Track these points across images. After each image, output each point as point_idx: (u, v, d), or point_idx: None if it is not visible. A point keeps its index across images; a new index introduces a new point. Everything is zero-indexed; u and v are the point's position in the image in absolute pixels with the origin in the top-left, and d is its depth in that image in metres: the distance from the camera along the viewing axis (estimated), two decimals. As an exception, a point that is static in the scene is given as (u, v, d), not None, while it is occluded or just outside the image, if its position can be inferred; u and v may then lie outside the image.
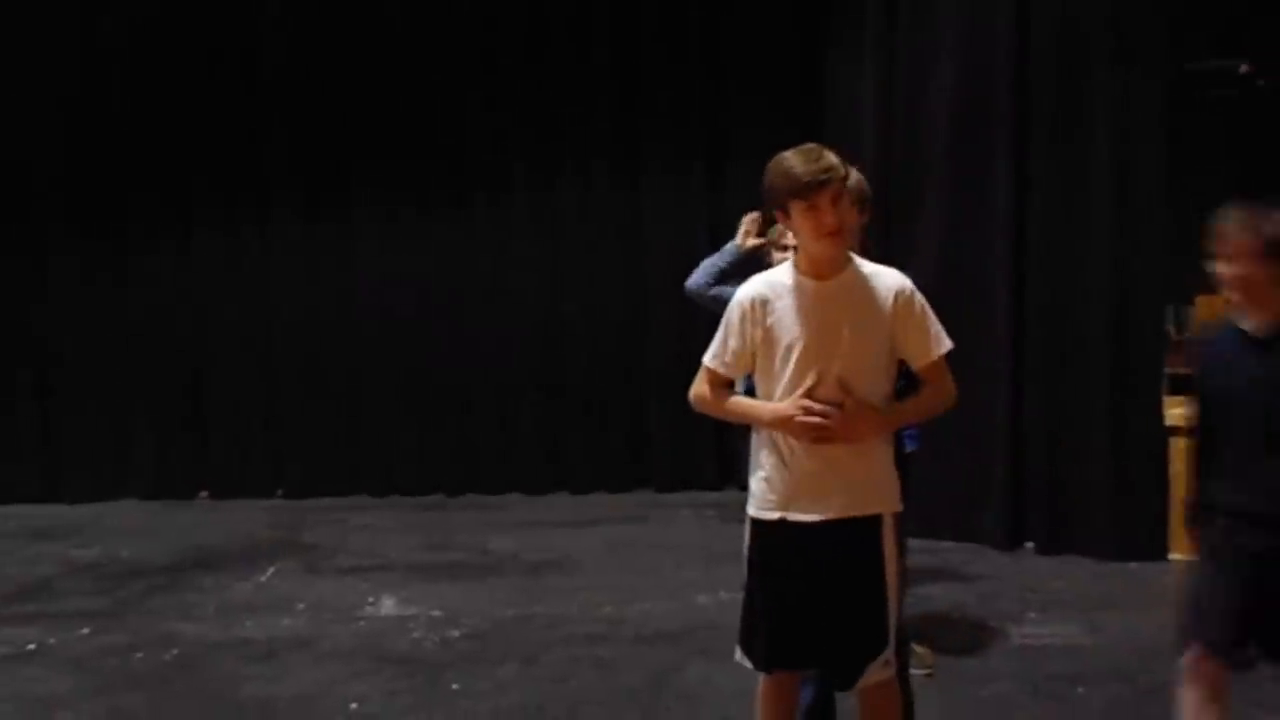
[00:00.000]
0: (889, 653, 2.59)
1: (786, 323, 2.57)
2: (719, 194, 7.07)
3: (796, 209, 2.51)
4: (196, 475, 7.51)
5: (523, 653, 4.21)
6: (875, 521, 2.57)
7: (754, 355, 2.62)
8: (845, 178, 2.55)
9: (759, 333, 2.59)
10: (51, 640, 4.52)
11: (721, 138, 7.11)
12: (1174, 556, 5.15)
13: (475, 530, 6.31)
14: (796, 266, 2.61)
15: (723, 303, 2.75)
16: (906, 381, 2.67)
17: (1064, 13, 5.31)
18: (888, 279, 2.63)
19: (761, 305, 2.60)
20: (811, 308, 2.55)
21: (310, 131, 7.28)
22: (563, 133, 7.18)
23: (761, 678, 2.68)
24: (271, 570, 5.57)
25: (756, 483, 2.64)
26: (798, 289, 2.58)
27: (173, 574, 5.54)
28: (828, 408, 2.49)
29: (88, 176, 7.38)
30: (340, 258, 7.38)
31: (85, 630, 4.64)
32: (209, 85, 7.29)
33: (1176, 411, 5.24)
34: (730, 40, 7.12)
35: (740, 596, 2.68)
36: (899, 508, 2.65)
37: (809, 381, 2.51)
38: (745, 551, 2.67)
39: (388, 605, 4.90)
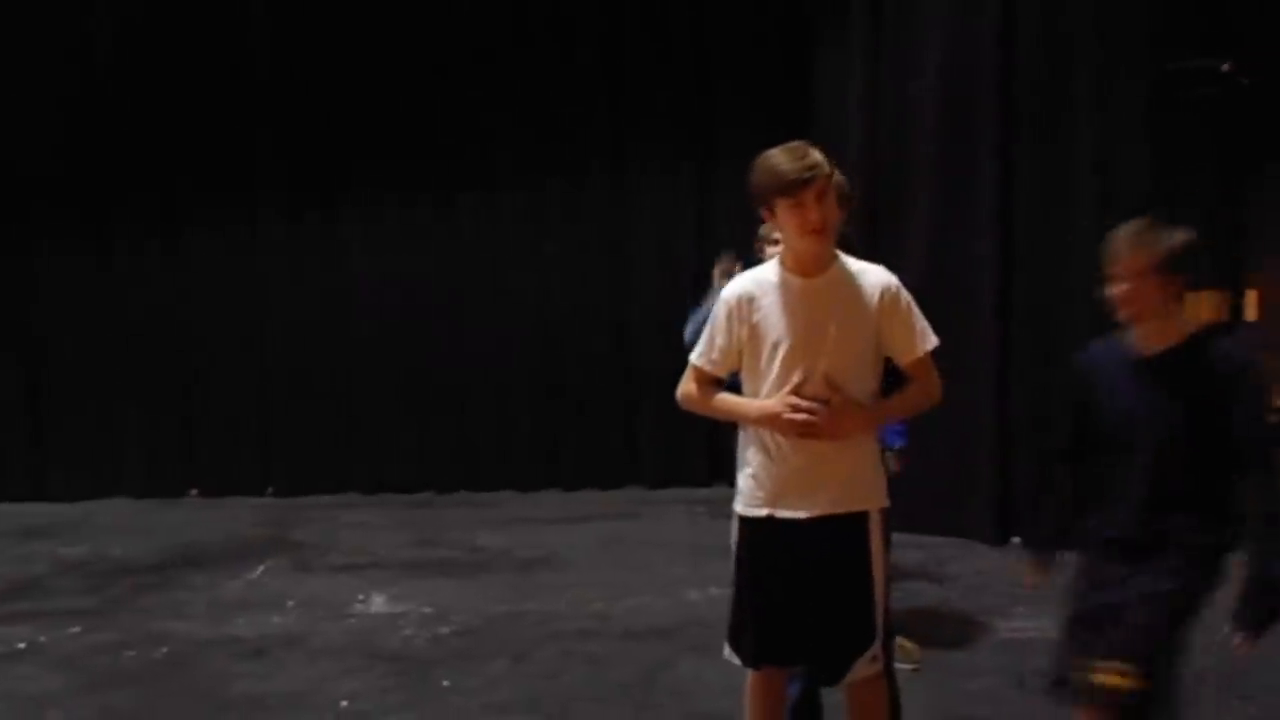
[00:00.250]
0: (876, 648, 2.61)
1: (773, 320, 2.58)
2: (707, 194, 7.10)
3: (782, 206, 2.52)
4: (187, 473, 7.51)
5: (514, 649, 4.23)
6: (862, 517, 2.59)
7: (741, 353, 2.63)
8: (830, 175, 2.57)
9: (746, 330, 2.61)
10: (42, 639, 4.53)
11: (709, 138, 7.14)
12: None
13: (466, 527, 6.33)
14: (783, 264, 2.63)
15: None
16: (892, 378, 2.69)
17: (1048, 14, 5.34)
18: (874, 276, 2.65)
19: (748, 303, 2.62)
20: (798, 305, 2.57)
21: (300, 131, 7.28)
22: (551, 133, 7.20)
23: (750, 673, 2.70)
24: (262, 568, 5.58)
25: (744, 479, 2.66)
26: (784, 286, 2.60)
27: (163, 572, 5.55)
28: (814, 404, 2.50)
29: (78, 176, 7.38)
30: (329, 257, 7.38)
31: (76, 628, 4.64)
32: (199, 86, 7.29)
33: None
34: (718, 40, 7.15)
35: (730, 593, 2.70)
36: (886, 503, 2.68)
37: (796, 378, 2.53)
38: (733, 548, 2.69)
39: (378, 602, 4.91)
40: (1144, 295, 2.46)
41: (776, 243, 3.21)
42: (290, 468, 7.43)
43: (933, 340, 2.70)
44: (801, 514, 2.55)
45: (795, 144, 2.60)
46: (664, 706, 3.64)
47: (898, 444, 3.36)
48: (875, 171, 5.88)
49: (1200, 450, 2.47)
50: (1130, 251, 2.48)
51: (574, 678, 3.93)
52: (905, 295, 2.70)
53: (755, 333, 2.60)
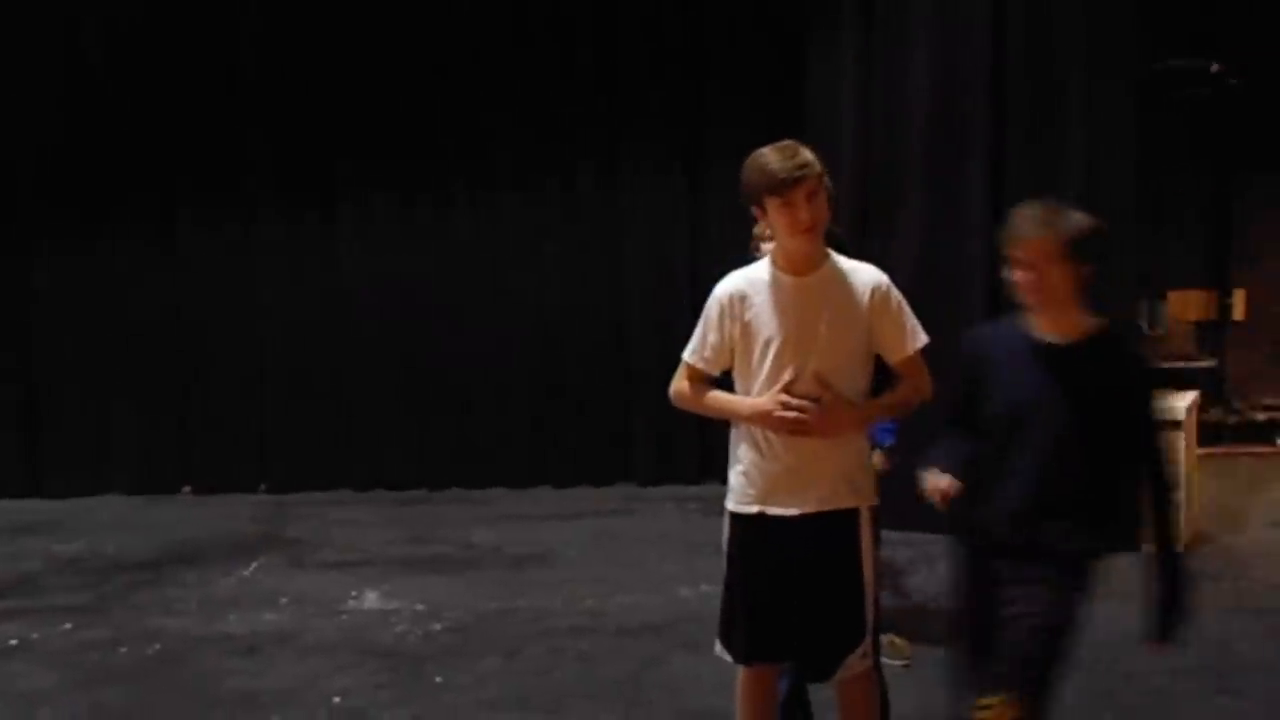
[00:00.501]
0: (866, 644, 2.63)
1: (764, 318, 2.60)
2: (700, 194, 7.12)
3: (772, 205, 2.54)
4: (180, 470, 7.50)
5: (505, 646, 4.24)
6: (852, 514, 2.61)
7: (733, 350, 2.65)
8: (821, 174, 2.59)
9: (738, 328, 2.63)
10: (34, 635, 4.53)
11: (703, 138, 7.14)
12: (1146, 547, 5.22)
13: (458, 524, 6.34)
14: (774, 262, 2.65)
15: None
16: (883, 376, 2.71)
17: (1037, 15, 5.36)
18: (865, 275, 2.67)
19: (740, 301, 2.63)
20: (789, 303, 2.59)
21: (295, 131, 7.27)
22: (545, 133, 7.20)
23: (741, 670, 2.72)
24: (255, 565, 5.58)
25: (735, 477, 2.68)
26: (775, 285, 2.62)
27: (156, 569, 5.54)
28: (805, 402, 2.52)
29: (72, 176, 7.36)
30: (324, 256, 7.38)
31: (68, 625, 4.64)
32: (195, 85, 7.26)
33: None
34: (711, 41, 7.16)
35: (721, 589, 2.72)
36: (876, 501, 2.70)
37: (787, 376, 2.55)
38: (725, 545, 2.71)
39: (371, 599, 4.92)
40: (1049, 281, 2.33)
41: (772, 240, 3.23)
42: (283, 465, 7.43)
43: (923, 339, 2.72)
44: (792, 511, 2.57)
45: (786, 143, 2.62)
46: (655, 703, 3.66)
47: (888, 442, 3.38)
48: (867, 171, 5.90)
49: (1092, 451, 2.35)
50: (1035, 234, 2.34)
51: (566, 674, 3.94)
52: (896, 294, 2.72)
53: (747, 331, 2.62)
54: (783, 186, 2.51)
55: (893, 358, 2.67)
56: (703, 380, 2.72)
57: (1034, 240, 2.33)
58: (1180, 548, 2.41)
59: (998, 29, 5.45)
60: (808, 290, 2.60)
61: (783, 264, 2.62)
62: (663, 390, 2.79)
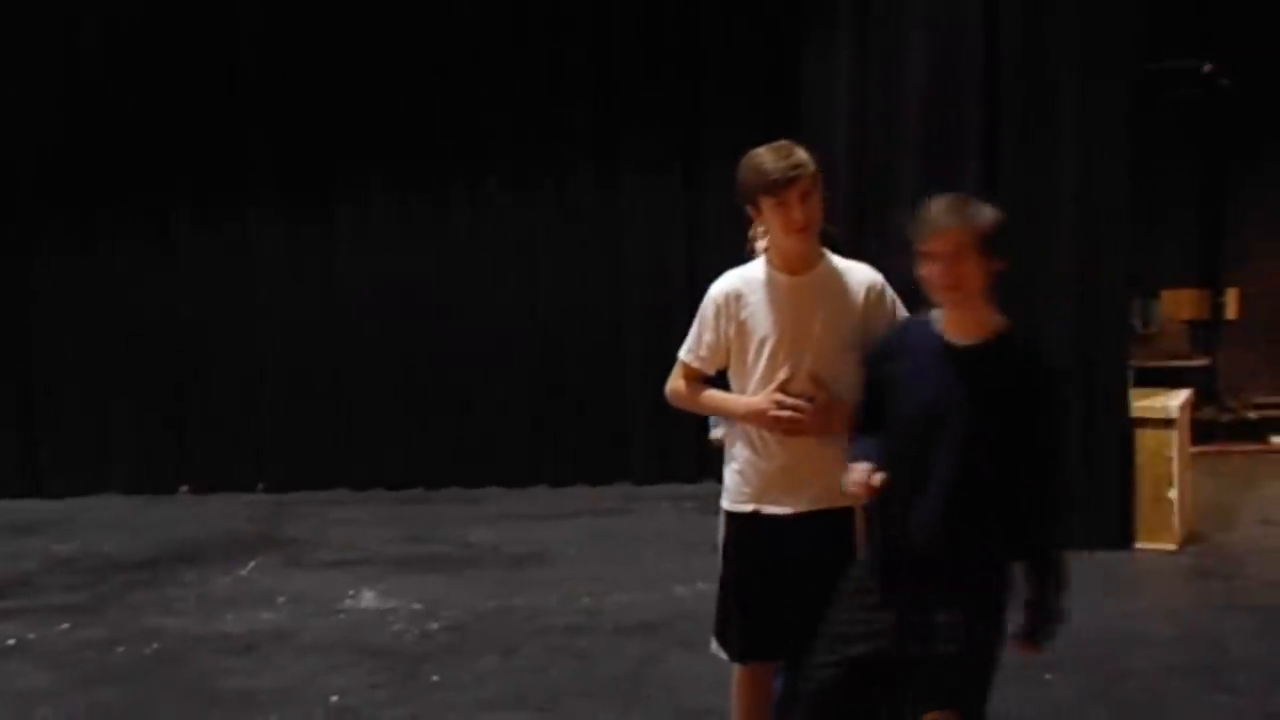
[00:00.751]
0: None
1: (760, 317, 2.61)
2: (696, 193, 7.14)
3: (767, 205, 2.56)
4: (177, 470, 7.51)
5: (503, 644, 4.25)
6: (847, 513, 2.61)
7: (728, 349, 2.67)
8: (815, 174, 2.60)
9: (734, 327, 2.64)
10: (32, 635, 4.53)
11: (699, 139, 7.16)
12: (1139, 545, 5.26)
13: (455, 523, 6.35)
14: (770, 262, 2.66)
15: None
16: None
17: (1031, 15, 5.38)
18: (860, 274, 2.68)
19: (736, 300, 2.65)
20: (784, 302, 2.60)
21: (293, 130, 7.29)
22: (543, 134, 7.22)
23: (736, 668, 2.74)
24: (252, 564, 5.59)
25: (730, 475, 2.69)
26: (770, 284, 2.63)
27: (153, 568, 5.55)
28: (800, 401, 2.54)
29: (72, 176, 7.37)
30: (321, 255, 7.39)
31: (66, 625, 4.65)
32: (193, 85, 7.28)
33: (1142, 404, 5.35)
34: (707, 41, 7.18)
35: (717, 588, 2.73)
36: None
37: (782, 375, 2.56)
38: (720, 544, 2.72)
39: (368, 598, 4.92)
40: (963, 275, 2.22)
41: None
42: (281, 464, 7.44)
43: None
44: (787, 510, 2.58)
45: (781, 143, 2.63)
46: (652, 701, 3.67)
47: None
48: (862, 170, 5.92)
49: (1004, 454, 2.26)
50: (947, 227, 2.22)
51: (563, 673, 3.95)
52: (891, 293, 2.73)
53: (743, 330, 2.63)
54: (777, 186, 2.52)
55: (887, 357, 2.68)
56: (699, 379, 2.73)
57: (947, 233, 2.22)
58: (1058, 551, 2.32)
59: (992, 29, 5.47)
60: (803, 289, 2.61)
61: (778, 263, 2.64)
62: (660, 390, 2.80)
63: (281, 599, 4.94)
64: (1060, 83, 5.31)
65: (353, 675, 3.98)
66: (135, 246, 7.41)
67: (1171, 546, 5.25)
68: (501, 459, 7.34)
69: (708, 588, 2.93)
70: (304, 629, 4.52)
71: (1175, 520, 5.27)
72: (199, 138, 7.29)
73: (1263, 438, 7.77)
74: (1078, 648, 4.03)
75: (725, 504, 2.70)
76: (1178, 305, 8.15)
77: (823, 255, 2.67)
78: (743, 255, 3.12)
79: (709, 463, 6.71)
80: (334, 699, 3.77)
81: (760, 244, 2.90)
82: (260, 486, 7.45)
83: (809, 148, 2.70)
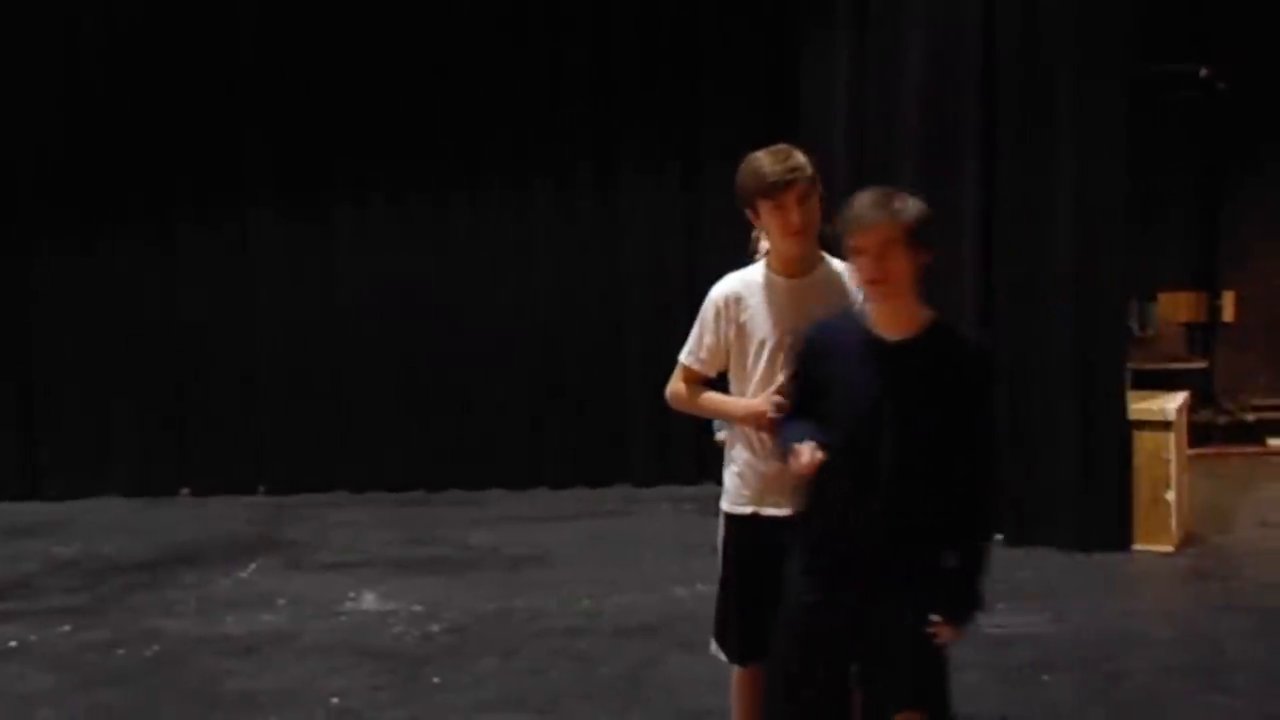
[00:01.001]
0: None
1: (759, 320, 2.63)
2: (695, 194, 7.15)
3: (765, 208, 2.58)
4: (178, 472, 7.51)
5: (503, 646, 4.26)
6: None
7: (728, 352, 2.68)
8: (813, 178, 2.62)
9: (733, 330, 2.66)
10: (33, 637, 4.54)
11: (698, 140, 7.18)
12: (1137, 547, 5.28)
13: (455, 525, 6.36)
14: (769, 265, 2.68)
15: None
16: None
17: (1029, 16, 5.40)
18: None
19: (735, 303, 2.67)
20: (784, 305, 2.62)
21: (291, 131, 7.29)
22: (541, 133, 7.23)
23: (735, 669, 2.75)
24: (253, 566, 5.60)
25: (730, 478, 2.71)
26: (769, 286, 2.65)
27: (154, 570, 5.56)
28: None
29: (72, 176, 7.37)
30: (320, 256, 7.40)
31: (67, 627, 4.65)
32: (192, 85, 7.28)
33: (1140, 407, 5.36)
34: (705, 42, 7.19)
35: (717, 589, 2.75)
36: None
37: (781, 378, 2.58)
38: (719, 545, 2.74)
39: (368, 600, 4.93)
40: (890, 270, 2.21)
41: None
42: (281, 467, 7.45)
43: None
44: (786, 512, 2.59)
45: (779, 147, 2.66)
46: (652, 702, 3.68)
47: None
48: (860, 171, 5.93)
49: (940, 448, 2.25)
50: (876, 220, 2.20)
51: (563, 675, 3.96)
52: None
53: (742, 332, 2.65)
54: (774, 189, 2.54)
55: (885, 359, 2.70)
56: (699, 382, 2.74)
57: (874, 228, 2.19)
58: (987, 540, 2.33)
59: (990, 30, 5.49)
60: (801, 292, 2.62)
61: (777, 266, 2.66)
62: (659, 391, 2.82)
63: (282, 601, 4.94)
64: (1058, 83, 5.32)
65: (353, 677, 3.99)
66: (135, 247, 7.42)
67: (1169, 548, 5.26)
68: (501, 460, 7.35)
69: (707, 589, 2.95)
70: (304, 631, 4.53)
71: (1173, 522, 5.28)
72: (199, 138, 7.30)
73: (1260, 440, 7.78)
74: (1076, 648, 4.06)
75: (725, 506, 2.72)
76: (1175, 308, 8.17)
77: (821, 258, 2.69)
78: (742, 256, 3.14)
79: (708, 464, 6.72)
80: (334, 701, 3.78)
81: (763, 246, 2.92)
82: (261, 489, 7.45)
83: (807, 150, 2.72)
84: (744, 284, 2.69)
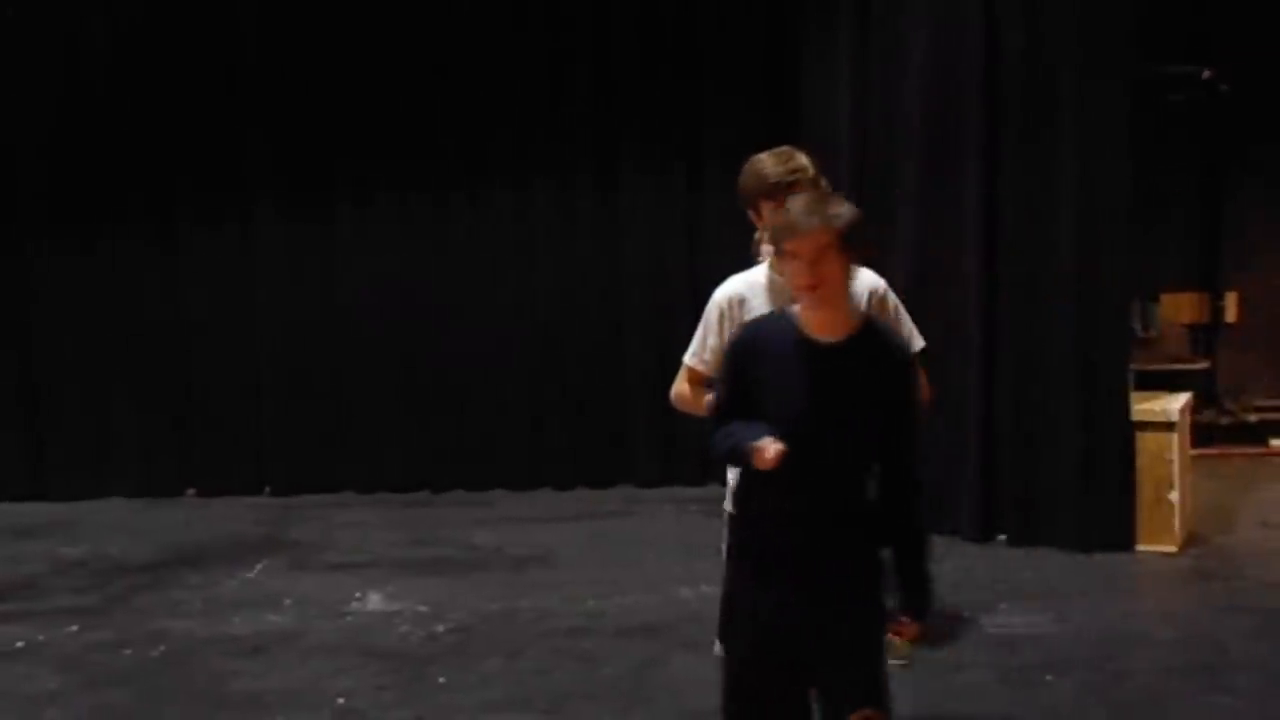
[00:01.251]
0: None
1: (760, 321, 2.64)
2: (697, 194, 7.16)
3: (767, 209, 2.60)
4: (183, 473, 7.53)
5: (507, 647, 4.28)
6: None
7: (731, 354, 2.69)
8: (815, 179, 2.63)
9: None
10: (40, 637, 4.56)
11: (700, 140, 7.18)
12: (1140, 548, 5.28)
13: (460, 526, 6.37)
14: (772, 266, 2.69)
15: None
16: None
17: (1032, 16, 5.41)
18: (862, 278, 2.71)
19: (739, 304, 2.68)
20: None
21: (294, 130, 7.31)
22: (542, 133, 7.24)
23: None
24: (258, 567, 5.62)
25: (734, 478, 2.72)
26: (772, 288, 2.66)
27: (160, 571, 5.58)
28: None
29: (72, 177, 7.39)
30: (323, 257, 7.42)
31: (73, 627, 4.68)
32: (193, 85, 7.30)
33: (1142, 408, 5.37)
34: (706, 41, 7.20)
35: (720, 590, 2.75)
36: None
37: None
38: (724, 546, 2.75)
39: (374, 600, 4.95)
40: (825, 275, 2.19)
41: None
42: (286, 467, 7.46)
43: (919, 342, 2.77)
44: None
45: (782, 149, 2.67)
46: (656, 702, 3.70)
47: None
48: (863, 171, 5.95)
49: (875, 447, 2.29)
50: (811, 226, 2.19)
51: (567, 675, 3.98)
52: (893, 297, 2.76)
53: (744, 334, 2.66)
54: (776, 190, 2.56)
55: (889, 361, 2.71)
56: (702, 383, 2.75)
57: (812, 233, 2.17)
58: (924, 530, 2.38)
59: (992, 30, 5.49)
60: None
61: (779, 268, 2.67)
62: (662, 392, 2.83)
63: (288, 601, 4.96)
64: (1060, 83, 5.33)
65: (359, 677, 4.01)
66: (136, 247, 7.44)
67: (1172, 549, 5.27)
68: (503, 461, 7.36)
69: (710, 589, 2.95)
70: (310, 631, 4.55)
71: (1175, 523, 5.29)
72: (200, 138, 7.32)
73: (1262, 440, 7.78)
74: (1079, 648, 4.07)
75: (729, 506, 2.73)
76: (1177, 309, 8.17)
77: (824, 260, 2.70)
78: (744, 257, 3.16)
79: (712, 465, 6.74)
80: (340, 700, 3.79)
81: (766, 248, 2.94)
82: (266, 489, 7.47)
83: (810, 152, 2.74)
84: (747, 285, 2.70)
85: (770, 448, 2.17)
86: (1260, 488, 6.70)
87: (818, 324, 2.26)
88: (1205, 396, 7.62)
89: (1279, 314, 8.05)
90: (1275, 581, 4.87)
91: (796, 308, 2.30)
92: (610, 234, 7.34)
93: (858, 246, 2.24)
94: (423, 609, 4.78)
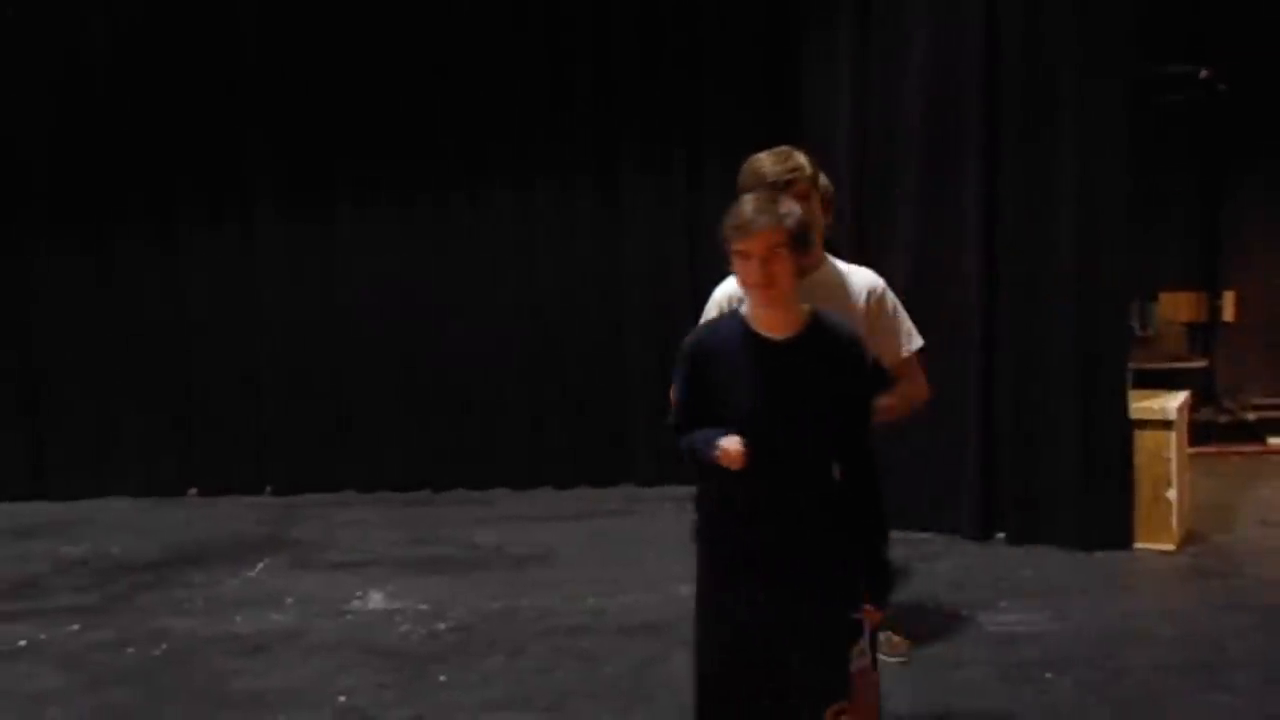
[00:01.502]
0: (864, 642, 2.68)
1: (762, 322, 2.65)
2: (697, 193, 7.16)
3: None
4: (185, 472, 7.54)
5: (509, 645, 4.29)
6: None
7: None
8: (813, 178, 2.64)
9: (736, 332, 2.68)
10: (42, 637, 4.57)
11: (699, 138, 7.19)
12: (1138, 546, 5.30)
13: (461, 525, 6.38)
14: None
15: None
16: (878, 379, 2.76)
17: (1032, 16, 5.42)
18: (860, 278, 2.73)
19: (738, 303, 2.68)
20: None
21: (294, 130, 7.31)
22: (543, 133, 7.25)
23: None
24: (260, 566, 5.63)
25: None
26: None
27: (162, 570, 5.59)
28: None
29: (73, 177, 7.39)
30: (324, 256, 7.42)
31: (75, 626, 4.69)
32: (193, 86, 7.30)
33: (1141, 406, 5.38)
34: (706, 41, 7.20)
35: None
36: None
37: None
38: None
39: (375, 599, 4.97)
40: (776, 274, 2.23)
41: None
42: (288, 467, 7.47)
43: (918, 341, 2.79)
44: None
45: (782, 148, 2.69)
46: (657, 700, 3.71)
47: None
48: (863, 171, 5.96)
49: (831, 439, 2.33)
50: (763, 225, 2.22)
51: (568, 673, 3.99)
52: (891, 297, 2.78)
53: (745, 334, 2.66)
54: (774, 189, 2.57)
55: (888, 360, 2.72)
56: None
57: (763, 233, 2.22)
58: (882, 515, 2.40)
59: (992, 30, 5.50)
60: (804, 293, 2.63)
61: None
62: (662, 390, 2.83)
63: (290, 600, 4.98)
64: (1060, 83, 5.33)
65: (360, 676, 4.02)
66: (137, 247, 7.43)
67: (1170, 547, 5.28)
68: (504, 460, 7.37)
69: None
70: (312, 630, 4.56)
71: (1174, 521, 5.30)
72: (200, 138, 7.32)
73: (1261, 439, 7.80)
74: (1078, 646, 4.08)
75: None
76: (1176, 308, 8.18)
77: (824, 259, 2.71)
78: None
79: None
80: (342, 699, 3.81)
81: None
82: (268, 489, 7.48)
83: (809, 152, 2.75)
84: (747, 285, 2.71)
85: (734, 447, 2.21)
86: (1258, 485, 6.72)
87: (767, 322, 2.30)
88: (1203, 395, 7.63)
89: (1277, 313, 8.07)
90: (1273, 579, 4.89)
91: (744, 307, 2.34)
92: (610, 234, 7.34)
93: (806, 245, 2.30)
94: (424, 607, 4.79)
